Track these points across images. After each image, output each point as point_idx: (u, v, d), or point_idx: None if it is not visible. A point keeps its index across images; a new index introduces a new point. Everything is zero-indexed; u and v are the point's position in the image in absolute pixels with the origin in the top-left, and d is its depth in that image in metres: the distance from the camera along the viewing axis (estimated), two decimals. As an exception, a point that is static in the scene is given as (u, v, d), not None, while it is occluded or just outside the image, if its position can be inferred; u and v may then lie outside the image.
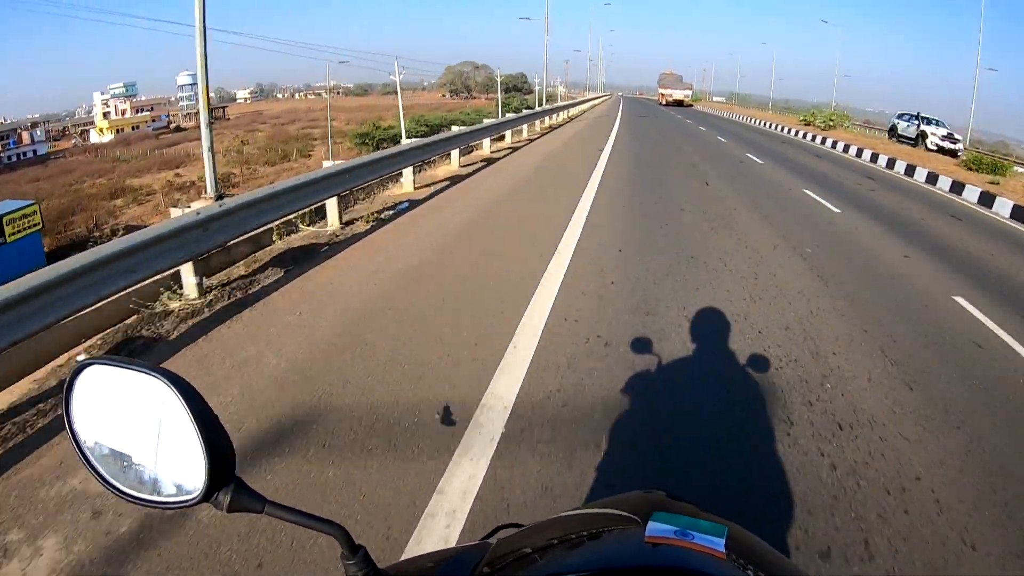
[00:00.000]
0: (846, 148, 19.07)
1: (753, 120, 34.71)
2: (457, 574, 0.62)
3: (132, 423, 0.58)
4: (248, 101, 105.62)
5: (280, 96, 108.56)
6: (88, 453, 0.58)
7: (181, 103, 63.59)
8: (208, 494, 0.55)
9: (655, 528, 0.62)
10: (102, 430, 0.59)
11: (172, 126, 55.69)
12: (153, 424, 0.56)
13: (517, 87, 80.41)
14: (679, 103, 54.51)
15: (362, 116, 50.93)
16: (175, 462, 0.56)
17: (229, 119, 59.62)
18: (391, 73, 26.73)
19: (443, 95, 75.15)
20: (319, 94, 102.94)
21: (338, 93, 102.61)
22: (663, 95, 56.95)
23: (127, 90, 59.18)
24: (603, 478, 2.25)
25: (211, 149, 5.04)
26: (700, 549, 0.59)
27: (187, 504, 0.56)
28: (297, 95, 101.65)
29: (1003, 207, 9.87)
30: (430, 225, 6.40)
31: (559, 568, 0.61)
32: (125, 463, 0.58)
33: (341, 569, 0.59)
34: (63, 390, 0.58)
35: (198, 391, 0.55)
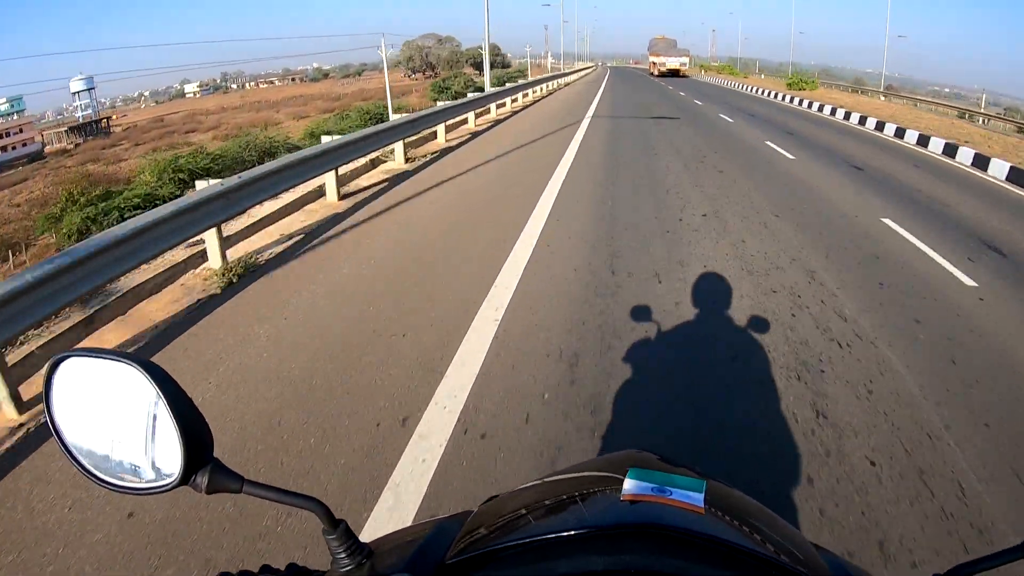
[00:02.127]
0: None
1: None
2: (438, 543, 0.63)
3: (110, 412, 0.58)
4: (197, 95, 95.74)
5: (233, 87, 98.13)
6: (69, 445, 0.59)
7: (77, 112, 53.67)
8: (186, 477, 0.55)
9: (632, 485, 0.62)
10: (82, 421, 0.59)
11: (46, 148, 43.78)
12: (130, 412, 0.57)
13: (490, 62, 71.07)
14: (674, 73, 45.57)
15: (256, 118, 41.40)
16: (153, 448, 0.57)
17: (111, 132, 48.80)
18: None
19: (406, 75, 65.42)
20: (271, 81, 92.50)
21: (292, 80, 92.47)
22: (655, 64, 47.64)
23: (12, 105, 48.86)
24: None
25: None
26: (678, 504, 0.59)
27: (166, 488, 0.56)
28: (248, 85, 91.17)
29: None
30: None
31: (535, 531, 0.60)
32: (105, 452, 0.59)
33: (324, 544, 0.59)
34: (43, 383, 0.59)
35: (172, 377, 0.55)
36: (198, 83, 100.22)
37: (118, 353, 0.57)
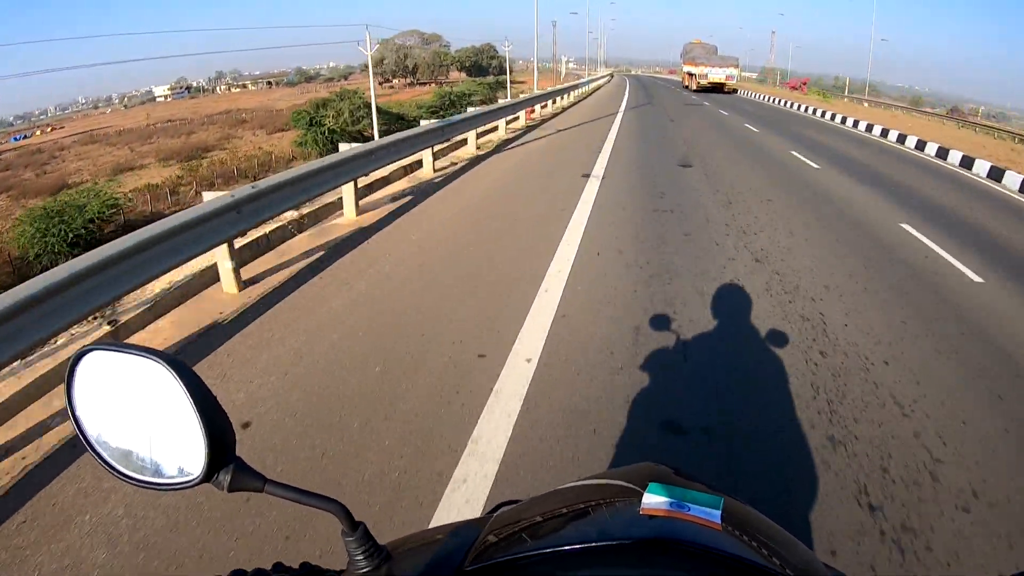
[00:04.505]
0: None
1: None
2: (455, 549, 0.63)
3: (133, 407, 0.59)
4: (168, 99, 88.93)
5: (217, 88, 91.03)
6: (91, 438, 0.60)
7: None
8: (209, 475, 0.56)
9: (651, 500, 0.63)
10: (104, 415, 0.60)
11: None
12: (153, 408, 0.57)
13: (480, 65, 61.46)
14: (718, 87, 35.80)
15: (116, 159, 33.86)
16: (176, 444, 0.57)
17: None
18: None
19: (382, 81, 57.21)
20: (244, 85, 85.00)
21: (270, 84, 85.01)
22: (691, 76, 37.80)
23: None
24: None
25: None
26: (695, 520, 0.60)
27: (188, 485, 0.57)
28: (219, 88, 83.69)
29: None
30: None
31: (554, 542, 0.61)
32: (127, 447, 0.59)
33: (342, 546, 0.60)
34: (65, 377, 0.59)
35: (197, 374, 0.55)
36: (168, 86, 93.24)
37: (144, 348, 0.57)
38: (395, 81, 55.87)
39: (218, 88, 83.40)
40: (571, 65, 51.53)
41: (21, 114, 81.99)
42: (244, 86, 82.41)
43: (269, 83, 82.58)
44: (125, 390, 0.58)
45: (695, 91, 36.00)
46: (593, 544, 0.58)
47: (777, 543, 0.65)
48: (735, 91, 36.69)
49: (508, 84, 36.36)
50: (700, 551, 0.57)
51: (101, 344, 0.58)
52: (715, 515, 0.60)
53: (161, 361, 0.54)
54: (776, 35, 70.48)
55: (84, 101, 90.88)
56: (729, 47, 43.64)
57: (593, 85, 35.08)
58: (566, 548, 0.57)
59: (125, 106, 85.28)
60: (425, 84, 51.41)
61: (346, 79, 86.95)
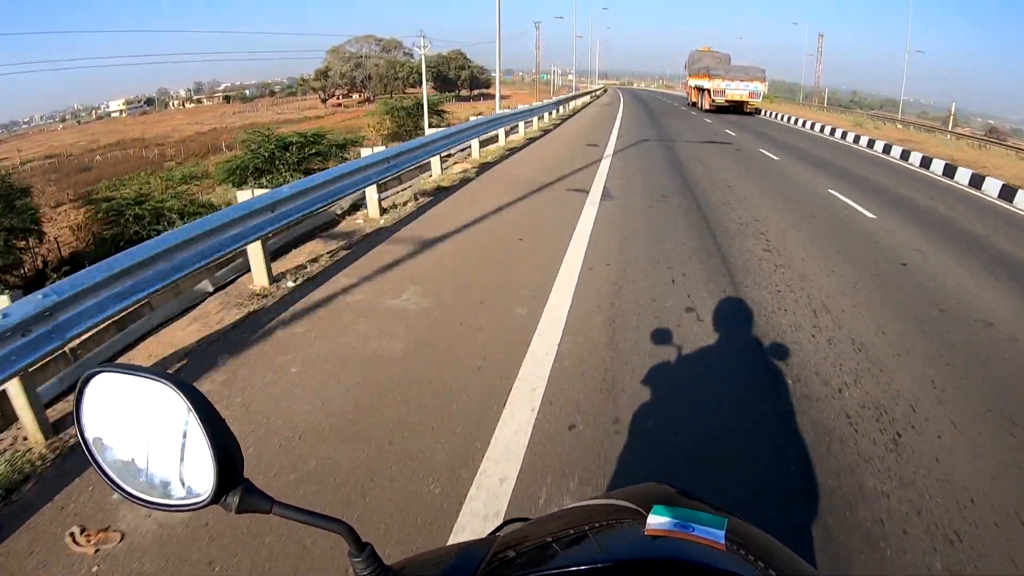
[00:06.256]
0: None
1: None
2: (463, 569, 0.63)
3: (142, 429, 0.59)
4: (124, 114, 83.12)
5: (175, 104, 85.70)
6: (99, 459, 0.60)
7: None
8: (217, 496, 0.56)
9: (655, 521, 0.64)
10: (113, 436, 0.60)
11: None
12: (162, 429, 0.58)
13: (444, 77, 54.60)
14: (738, 106, 29.32)
15: None
16: (184, 466, 0.58)
17: None
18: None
19: (331, 96, 50.64)
20: (199, 100, 78.94)
21: (227, 99, 79.16)
22: (700, 92, 31.35)
23: None
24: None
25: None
26: (700, 541, 0.61)
27: (197, 506, 0.57)
28: (172, 104, 77.88)
29: None
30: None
31: (560, 562, 0.63)
32: (136, 467, 0.59)
33: (349, 567, 0.60)
34: (74, 398, 0.60)
35: (207, 397, 0.56)
36: (124, 100, 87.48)
37: (151, 370, 0.57)
38: (354, 96, 49.75)
39: (171, 103, 77.32)
40: (569, 78, 45.15)
41: (6, 122, 76.70)
42: (199, 100, 76.37)
43: (227, 98, 76.46)
44: (134, 412, 0.58)
45: (708, 111, 29.69)
46: (599, 564, 0.58)
47: (781, 563, 0.65)
48: (758, 111, 30.61)
49: (425, 112, 23.91)
50: (705, 571, 0.57)
51: (109, 367, 0.59)
52: (719, 535, 0.60)
53: (170, 384, 0.55)
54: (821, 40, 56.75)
55: (78, 108, 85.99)
56: (739, 57, 36.07)
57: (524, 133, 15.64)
58: (572, 569, 0.58)
59: (79, 121, 79.37)
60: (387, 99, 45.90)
61: (307, 94, 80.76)
